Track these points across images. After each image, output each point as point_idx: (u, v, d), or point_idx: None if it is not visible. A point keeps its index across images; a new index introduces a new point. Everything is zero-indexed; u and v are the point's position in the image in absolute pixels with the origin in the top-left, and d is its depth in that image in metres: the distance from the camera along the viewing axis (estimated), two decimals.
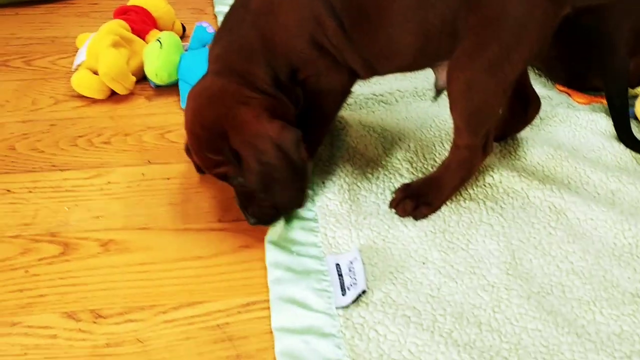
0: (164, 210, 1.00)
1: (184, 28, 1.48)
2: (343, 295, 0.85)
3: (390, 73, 1.01)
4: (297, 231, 0.95)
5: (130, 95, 1.27)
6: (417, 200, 0.98)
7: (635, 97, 1.19)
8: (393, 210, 0.98)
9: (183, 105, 1.22)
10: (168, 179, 1.06)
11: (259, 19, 0.91)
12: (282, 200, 0.92)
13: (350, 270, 0.88)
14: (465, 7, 0.86)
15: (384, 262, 0.90)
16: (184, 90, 1.24)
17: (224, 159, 0.89)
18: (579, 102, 1.24)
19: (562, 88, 1.28)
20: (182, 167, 1.09)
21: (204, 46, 1.28)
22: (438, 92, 1.03)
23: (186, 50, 1.30)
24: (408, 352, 0.78)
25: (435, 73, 1.00)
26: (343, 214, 0.97)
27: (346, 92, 0.99)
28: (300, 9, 0.90)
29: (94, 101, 1.25)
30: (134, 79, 1.27)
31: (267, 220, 0.93)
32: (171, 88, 1.28)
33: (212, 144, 0.89)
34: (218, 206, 1.01)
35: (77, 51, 1.34)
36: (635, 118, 1.18)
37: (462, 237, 0.94)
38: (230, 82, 0.90)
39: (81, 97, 1.25)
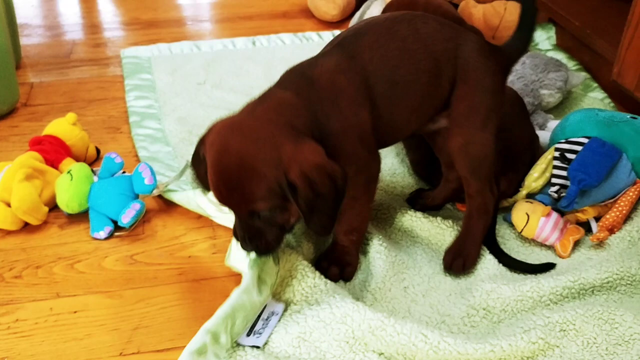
0: (68, 346, 1.05)
1: (98, 152, 1.55)
2: (247, 335, 0.99)
3: (393, 144, 1.26)
4: None
5: (43, 224, 1.33)
6: (463, 258, 1.18)
7: (512, 204, 1.31)
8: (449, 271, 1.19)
9: (92, 233, 1.29)
10: (75, 312, 1.12)
11: (323, 100, 1.02)
12: (321, 224, 0.99)
13: (267, 319, 1.01)
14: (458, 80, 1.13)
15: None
16: (94, 218, 1.31)
17: (271, 193, 0.94)
18: (462, 210, 1.35)
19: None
20: (88, 299, 1.15)
21: (112, 175, 1.36)
22: None
23: (97, 177, 1.37)
24: None
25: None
26: None
27: (378, 176, 1.15)
28: (354, 105, 1.04)
29: (7, 232, 1.30)
30: (46, 209, 1.33)
31: (266, 251, 1.03)
32: (83, 215, 1.34)
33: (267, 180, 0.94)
34: (120, 339, 1.06)
35: None
36: (511, 224, 1.30)
37: None
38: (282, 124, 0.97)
39: None
